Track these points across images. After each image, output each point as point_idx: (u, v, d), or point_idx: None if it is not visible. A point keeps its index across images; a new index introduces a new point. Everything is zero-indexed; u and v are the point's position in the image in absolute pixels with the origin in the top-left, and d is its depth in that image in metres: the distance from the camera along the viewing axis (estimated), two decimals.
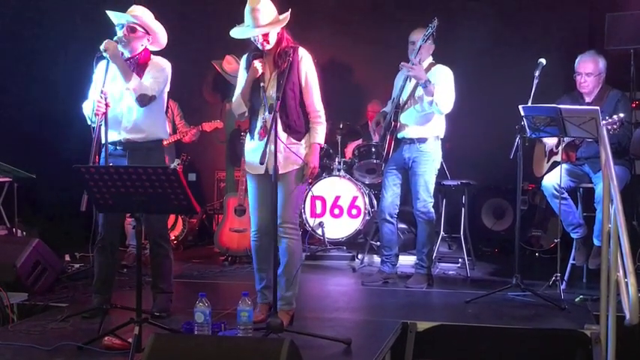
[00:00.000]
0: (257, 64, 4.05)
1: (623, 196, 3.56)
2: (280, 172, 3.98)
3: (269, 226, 4.05)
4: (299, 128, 4.13)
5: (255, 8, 3.98)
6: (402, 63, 5.13)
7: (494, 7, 7.02)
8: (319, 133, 4.16)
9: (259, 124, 4.12)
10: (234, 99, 4.25)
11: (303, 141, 4.15)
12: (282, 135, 4.05)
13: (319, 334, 3.89)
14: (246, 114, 4.21)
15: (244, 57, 4.27)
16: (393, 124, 5.28)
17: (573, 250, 5.24)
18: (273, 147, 3.89)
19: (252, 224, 4.28)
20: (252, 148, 4.16)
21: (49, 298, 4.76)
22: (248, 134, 4.24)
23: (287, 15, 4.07)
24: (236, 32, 4.10)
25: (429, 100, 5.08)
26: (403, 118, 5.28)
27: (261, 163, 3.89)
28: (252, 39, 4.09)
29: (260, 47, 4.08)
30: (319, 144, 4.18)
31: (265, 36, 4.02)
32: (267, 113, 4.04)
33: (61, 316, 4.25)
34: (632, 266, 3.11)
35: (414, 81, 5.19)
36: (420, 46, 5.10)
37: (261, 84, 4.05)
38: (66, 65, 6.88)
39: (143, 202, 3.52)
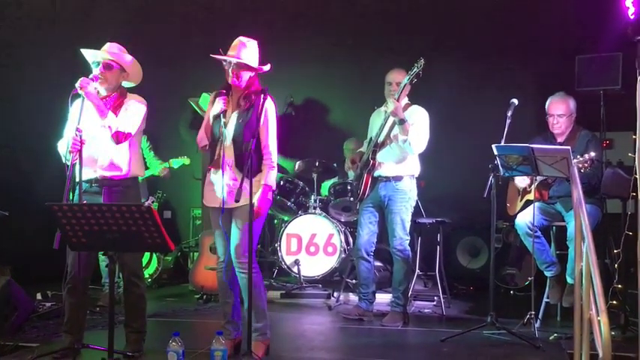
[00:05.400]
0: (219, 101, 4.23)
1: (595, 235, 3.61)
2: (233, 207, 4.13)
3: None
4: (252, 166, 4.10)
5: (243, 42, 4.21)
6: (388, 98, 5.21)
7: (468, 49, 7.15)
8: (270, 175, 4.22)
9: (215, 157, 4.23)
10: (200, 131, 4.37)
11: (254, 179, 4.08)
12: (235, 170, 4.18)
13: None
14: (207, 147, 4.33)
15: (213, 94, 4.40)
16: (371, 162, 5.33)
17: (547, 288, 5.28)
18: (227, 183, 4.11)
19: (219, 256, 4.38)
20: (208, 181, 4.30)
21: (19, 337, 4.67)
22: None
23: (267, 67, 4.27)
24: (215, 55, 4.25)
25: (402, 138, 5.16)
26: (380, 156, 5.34)
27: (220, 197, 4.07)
28: (226, 69, 4.23)
29: (229, 80, 4.21)
30: (270, 186, 4.21)
31: (238, 70, 4.16)
32: (222, 148, 4.19)
33: (31, 356, 4.16)
34: (604, 304, 3.14)
35: (391, 120, 5.25)
36: (405, 85, 5.18)
37: (222, 120, 4.17)
38: (40, 103, 6.86)
39: (117, 241, 3.49)
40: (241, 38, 4.24)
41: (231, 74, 4.18)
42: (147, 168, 6.66)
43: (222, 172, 4.15)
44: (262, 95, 4.15)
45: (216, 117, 4.21)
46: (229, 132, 4.18)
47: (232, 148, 4.18)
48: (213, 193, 4.23)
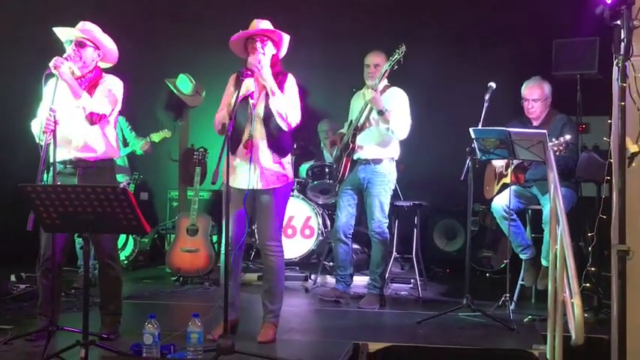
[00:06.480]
0: (249, 81, 4.15)
1: (570, 218, 3.63)
2: (264, 188, 4.18)
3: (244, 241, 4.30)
4: (284, 146, 4.26)
5: (261, 20, 4.29)
6: (368, 85, 5.20)
7: (446, 33, 7.14)
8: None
9: (244, 138, 4.18)
10: (219, 112, 4.27)
11: (286, 159, 4.28)
12: (267, 152, 4.19)
13: (270, 355, 3.86)
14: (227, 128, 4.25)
15: (233, 75, 4.34)
16: (351, 145, 5.33)
17: (522, 271, 5.33)
18: (257, 164, 4.12)
19: (230, 237, 4.26)
20: (235, 163, 4.20)
21: None
22: (227, 148, 4.25)
23: (286, 36, 4.30)
24: (236, 35, 4.23)
25: (385, 127, 5.16)
26: (360, 139, 5.33)
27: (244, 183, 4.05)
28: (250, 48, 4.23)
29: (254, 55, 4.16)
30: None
31: (263, 42, 4.18)
32: (252, 130, 4.16)
33: (4, 338, 4.12)
34: (578, 287, 3.17)
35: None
36: (385, 71, 5.17)
37: (250, 101, 4.14)
38: (14, 83, 6.76)
39: (91, 222, 3.45)
40: (255, 20, 4.29)
41: (256, 48, 4.17)
42: (127, 145, 6.60)
43: (254, 153, 4.13)
44: (288, 76, 4.27)
45: (244, 98, 4.15)
46: (259, 113, 4.17)
47: (264, 129, 4.18)
48: (241, 174, 4.15)
